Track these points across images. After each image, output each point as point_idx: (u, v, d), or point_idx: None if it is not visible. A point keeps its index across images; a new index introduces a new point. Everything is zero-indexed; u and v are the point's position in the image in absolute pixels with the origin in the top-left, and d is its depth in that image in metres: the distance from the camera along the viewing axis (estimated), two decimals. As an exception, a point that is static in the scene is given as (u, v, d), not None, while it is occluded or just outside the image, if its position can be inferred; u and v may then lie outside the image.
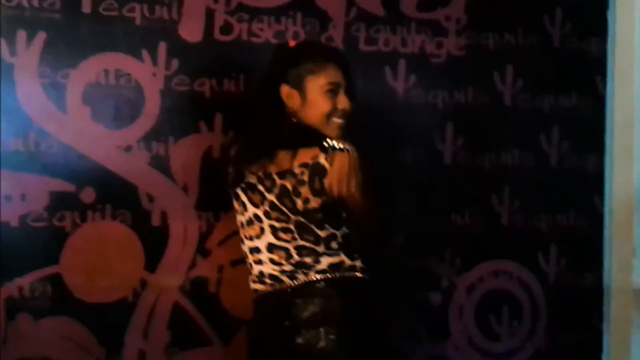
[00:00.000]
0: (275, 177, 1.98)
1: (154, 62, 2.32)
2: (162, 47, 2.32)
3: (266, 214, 2.00)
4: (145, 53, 2.31)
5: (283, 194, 1.97)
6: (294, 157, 1.96)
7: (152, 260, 2.32)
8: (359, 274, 2.01)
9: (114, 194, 2.28)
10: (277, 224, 1.98)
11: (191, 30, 2.35)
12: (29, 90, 2.22)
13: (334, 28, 2.47)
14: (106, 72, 2.28)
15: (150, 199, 2.32)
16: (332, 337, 1.90)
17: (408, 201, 2.57)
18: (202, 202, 2.35)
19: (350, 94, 2.04)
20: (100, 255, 2.26)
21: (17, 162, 2.20)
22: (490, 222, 2.67)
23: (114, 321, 2.28)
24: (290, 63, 2.03)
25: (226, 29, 2.37)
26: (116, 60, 2.29)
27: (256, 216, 2.01)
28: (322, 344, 1.90)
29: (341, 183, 1.92)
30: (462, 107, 2.61)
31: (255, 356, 2.06)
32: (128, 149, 2.30)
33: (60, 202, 2.23)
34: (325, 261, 1.98)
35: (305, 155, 1.95)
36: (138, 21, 2.31)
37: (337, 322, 1.92)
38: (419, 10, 2.55)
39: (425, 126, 2.59)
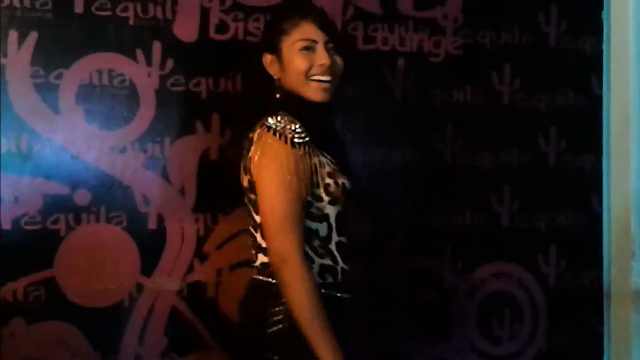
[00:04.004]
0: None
1: (149, 62, 2.28)
2: (157, 47, 2.28)
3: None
4: (139, 53, 2.27)
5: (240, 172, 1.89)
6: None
7: (149, 263, 2.26)
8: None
9: (109, 196, 2.23)
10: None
11: (186, 30, 2.31)
12: (21, 91, 2.17)
13: (331, 27, 2.44)
14: (99, 72, 2.23)
15: (146, 201, 2.27)
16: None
17: (408, 202, 2.54)
18: (200, 204, 2.30)
19: (336, 51, 1.87)
20: (95, 259, 2.21)
21: (10, 164, 2.15)
22: (490, 223, 2.64)
23: (110, 325, 2.22)
24: (267, 29, 1.95)
25: (222, 28, 2.34)
26: (110, 60, 2.24)
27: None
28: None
29: (254, 163, 1.77)
30: (460, 107, 2.59)
31: None
32: (123, 150, 2.25)
33: (54, 205, 2.18)
34: (260, 259, 1.84)
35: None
36: (131, 21, 2.26)
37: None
38: (415, 9, 2.53)
39: (425, 125, 2.57)
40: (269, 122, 1.77)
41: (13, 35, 2.16)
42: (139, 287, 2.25)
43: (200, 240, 2.30)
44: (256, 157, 1.77)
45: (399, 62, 2.52)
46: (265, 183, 1.74)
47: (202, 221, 2.30)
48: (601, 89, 2.78)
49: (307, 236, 1.77)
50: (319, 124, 1.85)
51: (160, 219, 2.27)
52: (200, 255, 2.30)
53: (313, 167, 1.76)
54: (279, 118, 1.77)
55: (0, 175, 2.14)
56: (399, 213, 2.55)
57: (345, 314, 1.83)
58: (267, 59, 1.88)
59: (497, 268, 2.67)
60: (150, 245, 2.26)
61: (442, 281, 2.60)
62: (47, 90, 2.19)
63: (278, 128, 1.75)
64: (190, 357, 2.30)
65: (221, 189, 2.26)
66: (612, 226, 2.79)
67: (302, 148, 1.75)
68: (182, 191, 2.29)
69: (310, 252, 1.78)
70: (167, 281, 2.27)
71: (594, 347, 2.77)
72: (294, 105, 1.82)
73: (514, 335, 2.68)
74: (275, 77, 1.88)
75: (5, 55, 2.16)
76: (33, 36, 2.17)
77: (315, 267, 1.78)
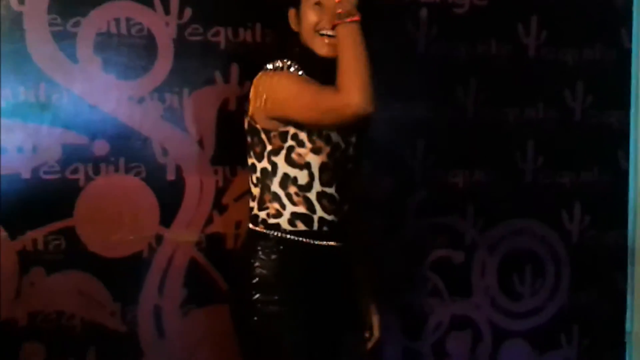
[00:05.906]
0: None
1: (166, 10, 2.24)
2: (175, -5, 2.25)
3: None
4: (157, 1, 2.23)
5: None
6: None
7: (168, 214, 2.25)
8: (258, 228, 1.84)
9: (128, 147, 2.21)
10: None
11: (205, -22, 2.27)
12: (38, 39, 2.14)
13: (353, -24, 2.38)
14: (117, 20, 2.20)
15: (165, 152, 2.25)
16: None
17: (430, 157, 2.51)
18: (219, 156, 2.28)
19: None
20: (115, 209, 2.20)
21: (28, 113, 2.14)
22: (513, 179, 2.60)
23: (129, 276, 2.22)
24: None
25: (241, -24, 2.30)
26: (127, 9, 2.21)
27: None
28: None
29: (251, 96, 1.83)
30: (485, 60, 2.54)
31: None
32: (141, 100, 2.23)
33: (73, 155, 2.17)
34: (250, 204, 1.89)
35: None
36: (150, -32, 2.23)
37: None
38: (440, -43, 2.47)
39: (447, 79, 2.51)
40: (266, 67, 1.83)
41: (30, -18, 2.13)
42: (158, 238, 2.25)
43: (219, 192, 2.29)
44: (252, 91, 1.83)
45: (421, 12, 2.47)
46: (275, 89, 1.78)
47: (221, 173, 2.29)
48: (630, 43, 2.71)
49: (284, 182, 1.82)
50: (327, 79, 1.83)
51: (178, 170, 2.26)
52: (219, 207, 2.29)
53: None
54: (277, 61, 1.83)
55: (17, 124, 2.13)
56: (420, 169, 2.52)
57: (328, 261, 1.85)
58: (290, 13, 1.92)
59: (519, 224, 2.63)
60: (169, 197, 2.25)
61: (464, 238, 2.57)
62: (64, 39, 2.16)
63: (275, 65, 1.82)
64: (208, 309, 2.30)
65: (240, 141, 2.22)
66: (638, 183, 2.75)
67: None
68: (200, 143, 2.27)
69: (284, 198, 1.82)
70: (186, 232, 2.26)
71: (616, 305, 2.75)
72: (305, 59, 1.86)
73: (535, 292, 2.66)
74: (296, 31, 1.91)
75: (23, 3, 2.12)
76: (50, -17, 2.15)
77: (286, 214, 1.82)
